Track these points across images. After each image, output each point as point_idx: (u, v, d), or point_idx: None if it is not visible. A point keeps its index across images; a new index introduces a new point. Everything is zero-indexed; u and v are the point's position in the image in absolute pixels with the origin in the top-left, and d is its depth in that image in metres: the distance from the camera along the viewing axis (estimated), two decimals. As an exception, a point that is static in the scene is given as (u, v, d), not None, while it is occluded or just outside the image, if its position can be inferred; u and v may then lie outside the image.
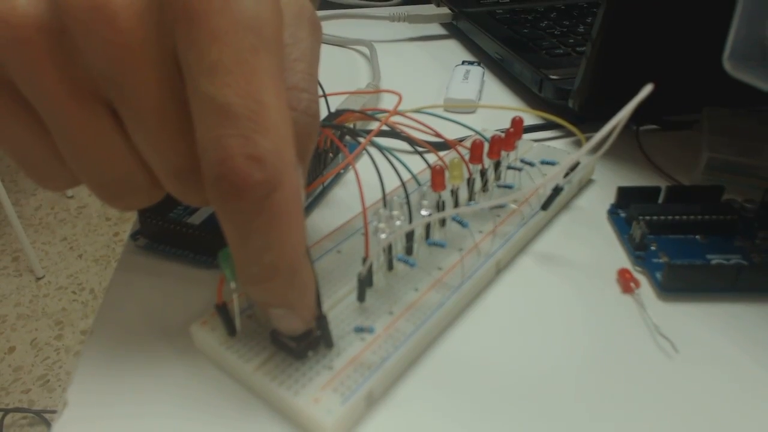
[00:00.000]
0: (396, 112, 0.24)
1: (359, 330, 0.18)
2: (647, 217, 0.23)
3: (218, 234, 0.23)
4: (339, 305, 0.19)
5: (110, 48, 0.14)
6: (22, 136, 0.15)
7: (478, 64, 0.41)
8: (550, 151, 0.29)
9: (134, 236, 0.24)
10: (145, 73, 0.14)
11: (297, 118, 0.16)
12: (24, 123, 0.15)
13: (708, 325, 0.20)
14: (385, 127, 0.25)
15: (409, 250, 0.22)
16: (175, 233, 0.23)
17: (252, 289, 0.16)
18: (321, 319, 0.17)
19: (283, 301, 0.16)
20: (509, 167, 0.26)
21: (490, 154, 0.25)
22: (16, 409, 1.05)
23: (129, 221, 1.50)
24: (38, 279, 1.36)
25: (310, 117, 0.17)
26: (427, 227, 0.22)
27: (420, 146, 0.24)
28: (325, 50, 0.48)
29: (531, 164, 0.27)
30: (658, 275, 0.22)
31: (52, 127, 0.15)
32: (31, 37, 0.14)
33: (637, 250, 0.23)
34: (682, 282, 0.21)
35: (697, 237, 0.24)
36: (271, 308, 0.16)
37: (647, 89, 0.16)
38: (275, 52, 0.14)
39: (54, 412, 1.01)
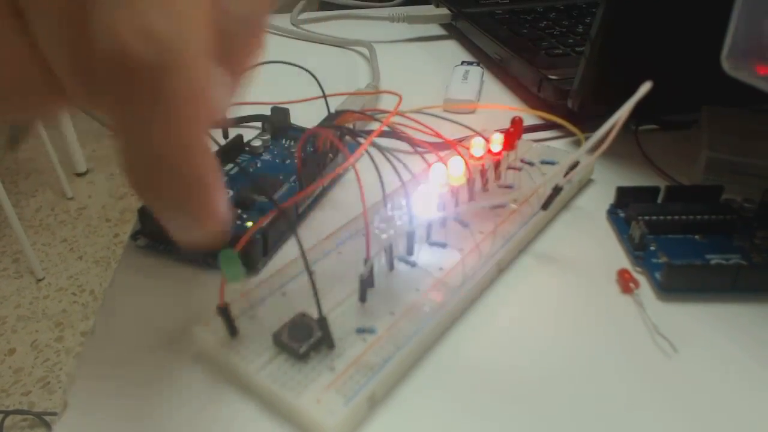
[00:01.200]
0: (397, 113, 0.24)
1: (361, 331, 0.18)
2: (646, 217, 0.24)
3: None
4: (340, 306, 0.20)
5: None
6: None
7: (478, 65, 0.41)
8: (550, 151, 0.29)
9: (134, 236, 0.24)
10: None
11: (226, 25, 0.14)
12: None
13: (707, 325, 0.20)
14: (385, 128, 0.25)
15: (409, 251, 0.22)
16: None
17: (137, 183, 0.14)
18: (321, 321, 0.17)
19: (173, 202, 0.14)
20: (509, 167, 0.26)
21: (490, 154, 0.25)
22: (17, 411, 1.05)
23: (129, 222, 1.50)
24: (38, 281, 1.36)
25: (245, 27, 0.15)
26: (428, 228, 0.22)
27: (420, 146, 0.24)
28: (325, 51, 0.48)
29: (531, 164, 0.27)
30: (658, 275, 0.22)
31: None
32: None
33: (637, 250, 0.23)
34: (681, 282, 0.21)
35: (697, 237, 0.24)
36: (164, 213, 0.15)
37: (646, 87, 0.17)
38: None
39: (54, 414, 1.01)
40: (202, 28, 0.13)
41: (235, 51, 0.15)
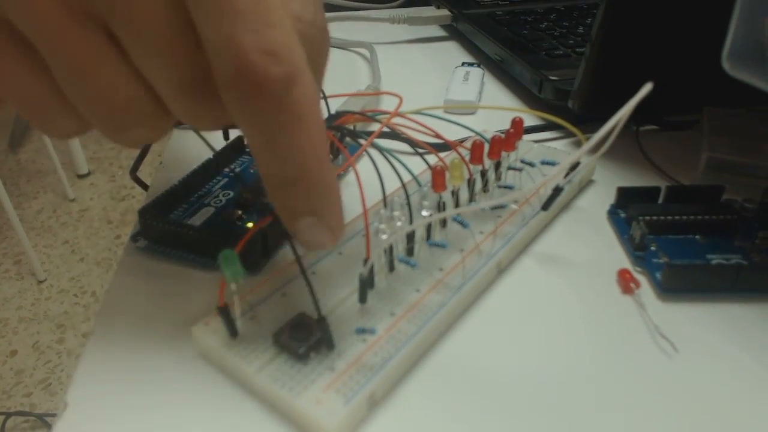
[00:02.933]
0: (397, 114, 0.24)
1: (361, 331, 0.18)
2: (647, 218, 0.24)
3: (218, 235, 0.23)
4: (340, 307, 0.20)
5: None
6: (22, 76, 0.15)
7: (478, 66, 0.41)
8: (551, 152, 0.29)
9: (134, 237, 0.24)
10: None
11: (304, 29, 0.16)
12: (22, 62, 0.15)
13: (708, 325, 0.20)
14: (385, 129, 0.25)
15: (410, 251, 0.22)
16: (176, 234, 0.23)
17: (278, 196, 0.16)
18: (321, 321, 0.17)
19: (309, 207, 0.16)
20: (510, 168, 0.26)
21: (490, 155, 0.25)
22: (18, 413, 1.05)
23: (131, 224, 1.51)
24: (40, 282, 1.36)
25: (317, 29, 0.16)
26: (428, 228, 0.22)
27: (420, 147, 0.24)
28: (325, 52, 0.48)
29: (531, 165, 0.27)
30: (658, 275, 0.22)
31: (49, 57, 0.14)
32: None
33: (637, 251, 0.23)
34: (681, 282, 0.21)
35: (697, 237, 0.24)
36: (299, 219, 0.16)
37: (647, 87, 0.16)
38: None
39: (55, 415, 1.01)
40: (298, 39, 0.15)
41: (314, 55, 0.16)
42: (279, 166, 0.15)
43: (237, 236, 0.19)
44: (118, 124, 0.16)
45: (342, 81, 0.42)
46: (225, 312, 0.18)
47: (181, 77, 0.15)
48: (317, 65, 0.17)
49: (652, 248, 0.23)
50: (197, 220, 0.24)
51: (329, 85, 0.33)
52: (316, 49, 0.17)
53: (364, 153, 0.22)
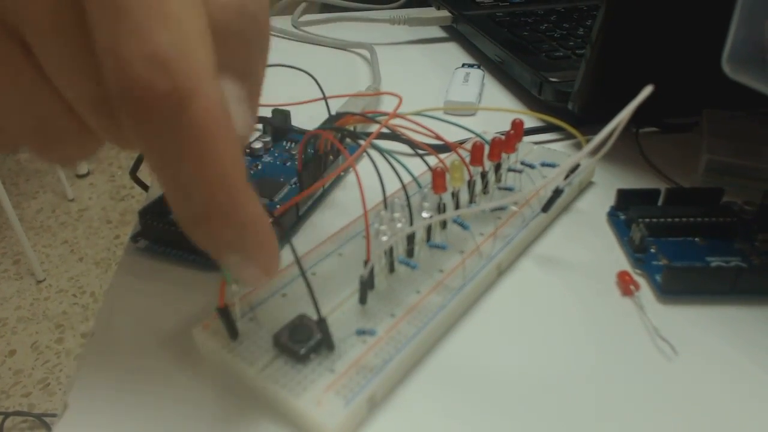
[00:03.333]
0: (396, 114, 0.24)
1: (361, 333, 0.18)
2: (647, 220, 0.24)
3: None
4: (341, 308, 0.20)
5: None
6: None
7: (478, 67, 0.41)
8: (551, 154, 0.29)
9: (134, 238, 0.24)
10: None
11: (228, 21, 0.13)
12: None
13: (707, 328, 0.20)
14: (385, 130, 0.25)
15: (410, 253, 0.22)
16: (176, 235, 0.23)
17: (192, 233, 0.14)
18: (321, 322, 0.17)
19: (230, 245, 0.14)
20: (510, 169, 0.26)
21: (490, 157, 0.25)
22: (17, 413, 1.05)
23: (130, 224, 1.51)
24: (39, 282, 1.36)
25: (246, 19, 0.14)
26: (428, 229, 0.22)
27: (420, 148, 0.24)
28: (326, 53, 0.48)
29: (531, 166, 0.27)
30: (658, 278, 0.22)
31: None
32: None
33: (637, 253, 0.23)
34: (681, 284, 0.21)
35: (697, 239, 0.24)
36: (222, 257, 0.14)
37: (647, 90, 0.16)
38: None
39: (54, 415, 1.00)
40: (204, 38, 0.12)
41: (241, 53, 0.14)
42: (184, 201, 0.13)
43: None
44: (42, 143, 0.14)
45: (342, 82, 0.42)
46: (225, 313, 0.18)
47: (88, 91, 0.13)
48: (246, 69, 0.14)
49: (652, 250, 0.23)
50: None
51: (329, 86, 0.33)
52: (244, 46, 0.14)
53: (364, 154, 0.22)
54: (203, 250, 0.14)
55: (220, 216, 0.13)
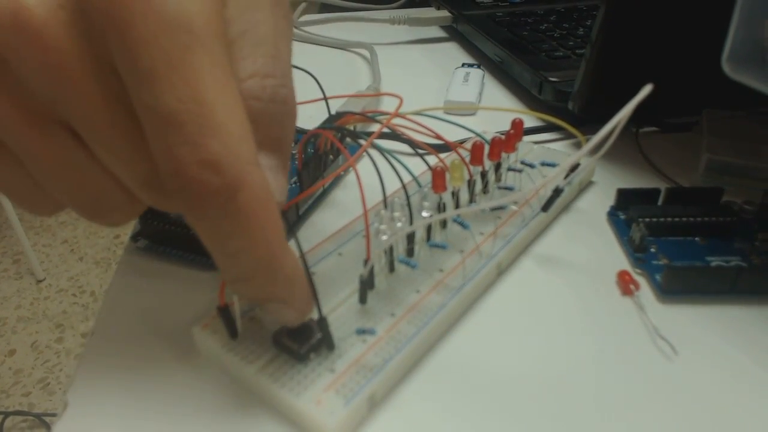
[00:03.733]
0: (397, 114, 0.24)
1: (361, 332, 0.18)
2: (647, 219, 0.24)
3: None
4: (340, 307, 0.20)
5: (45, 68, 0.13)
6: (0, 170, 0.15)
7: (478, 67, 0.41)
8: (551, 153, 0.29)
9: (134, 237, 0.24)
10: (85, 88, 0.13)
11: (263, 108, 0.15)
12: None
13: (707, 327, 0.20)
14: (385, 129, 0.25)
15: (410, 252, 0.22)
16: (176, 234, 0.23)
17: (237, 289, 0.16)
18: (322, 322, 0.17)
19: (271, 296, 0.16)
20: (510, 169, 0.26)
21: (490, 156, 0.25)
22: (17, 412, 1.05)
23: (129, 224, 1.50)
24: (39, 281, 1.36)
25: (278, 104, 0.16)
26: (428, 229, 0.22)
27: (420, 148, 0.24)
28: (326, 53, 0.48)
29: (531, 166, 0.27)
30: (658, 277, 0.22)
31: (20, 156, 0.15)
32: None
33: (637, 252, 0.23)
34: (681, 284, 0.21)
35: (697, 239, 0.24)
36: (264, 304, 0.16)
37: (647, 89, 0.17)
38: (213, 45, 0.13)
39: (54, 415, 1.01)
40: (246, 135, 0.14)
41: (274, 132, 0.16)
42: (233, 266, 0.15)
43: None
44: (94, 212, 0.16)
45: (342, 82, 0.42)
46: (225, 312, 0.18)
47: (141, 174, 0.15)
48: (280, 143, 0.16)
49: (652, 250, 0.23)
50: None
51: (330, 86, 0.33)
52: (278, 125, 0.16)
53: (364, 153, 0.22)
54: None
55: (264, 275, 0.15)
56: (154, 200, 0.16)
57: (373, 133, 0.23)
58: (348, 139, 0.29)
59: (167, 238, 0.24)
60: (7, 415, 1.04)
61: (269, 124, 0.15)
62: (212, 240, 0.14)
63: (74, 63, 0.13)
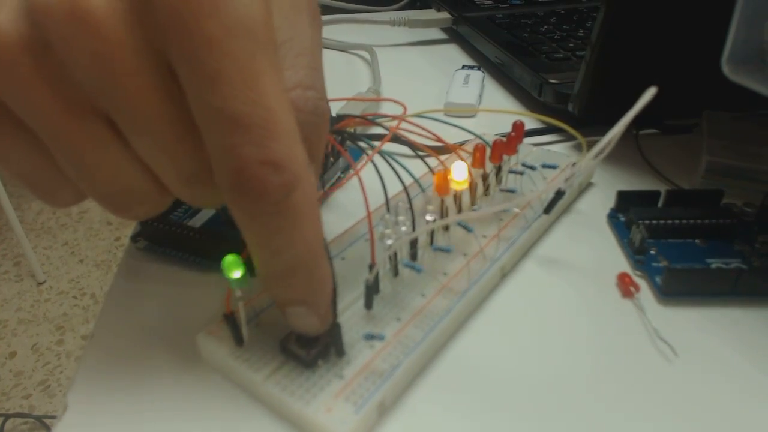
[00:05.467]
0: (403, 119, 0.24)
1: (369, 337, 0.18)
2: (647, 221, 0.24)
3: (218, 237, 0.23)
4: (346, 313, 0.20)
5: (97, 59, 0.13)
6: (23, 157, 0.15)
7: (479, 69, 0.42)
8: (551, 155, 0.30)
9: (134, 238, 0.24)
10: (137, 81, 0.13)
11: (305, 119, 0.16)
12: (23, 144, 0.15)
13: (707, 329, 0.21)
14: (385, 131, 0.25)
15: (414, 256, 0.22)
16: (176, 236, 0.23)
17: (273, 286, 0.16)
18: (336, 328, 0.17)
19: (303, 298, 0.16)
20: (511, 171, 0.26)
21: (492, 159, 0.25)
22: (17, 414, 1.05)
23: (130, 226, 1.50)
24: (39, 284, 1.36)
25: (318, 117, 0.16)
26: (432, 232, 0.23)
27: (421, 150, 0.24)
28: (326, 54, 0.48)
29: (532, 168, 0.27)
30: (658, 279, 0.22)
31: (50, 144, 0.15)
32: (16, 58, 0.13)
33: (637, 254, 0.23)
34: (681, 286, 0.21)
35: (697, 241, 0.24)
36: (290, 307, 0.16)
37: (651, 92, 0.17)
38: (272, 52, 0.14)
39: (54, 417, 1.00)
40: (300, 140, 0.15)
41: (313, 139, 0.16)
42: (274, 261, 0.15)
43: (238, 238, 0.19)
44: (119, 204, 0.16)
45: (342, 83, 0.42)
46: (231, 319, 0.18)
47: (183, 170, 0.15)
48: (316, 151, 0.17)
49: (652, 252, 0.23)
50: (198, 221, 0.24)
51: (330, 88, 0.33)
52: (316, 137, 0.16)
53: (364, 155, 0.22)
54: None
55: (302, 273, 0.16)
56: (191, 194, 0.16)
57: (374, 135, 0.23)
58: (348, 142, 0.29)
59: (167, 240, 0.24)
60: (7, 417, 1.04)
61: (309, 135, 0.16)
62: (258, 235, 0.15)
63: (128, 55, 0.13)
